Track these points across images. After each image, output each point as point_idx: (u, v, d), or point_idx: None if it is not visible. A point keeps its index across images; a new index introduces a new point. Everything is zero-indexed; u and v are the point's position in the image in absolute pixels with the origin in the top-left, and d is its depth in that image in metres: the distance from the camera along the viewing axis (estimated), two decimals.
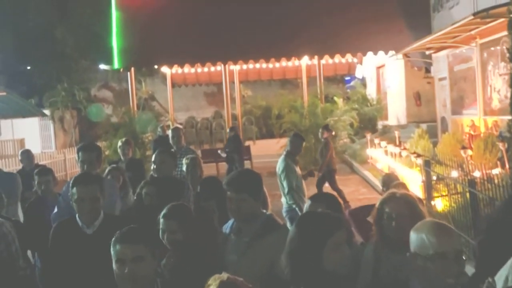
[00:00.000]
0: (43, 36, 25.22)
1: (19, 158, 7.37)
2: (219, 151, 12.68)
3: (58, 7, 25.30)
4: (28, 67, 29.76)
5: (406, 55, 15.59)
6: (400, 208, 2.65)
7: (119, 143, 7.05)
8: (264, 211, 3.07)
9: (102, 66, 20.06)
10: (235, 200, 2.84)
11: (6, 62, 25.58)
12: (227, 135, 13.25)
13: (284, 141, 13.12)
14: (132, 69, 17.43)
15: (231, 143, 12.40)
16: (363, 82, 21.57)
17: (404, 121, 16.95)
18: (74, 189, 3.26)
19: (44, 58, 25.36)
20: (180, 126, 20.17)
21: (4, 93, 18.64)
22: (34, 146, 21.27)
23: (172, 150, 6.30)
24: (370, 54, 16.63)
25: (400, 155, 11.18)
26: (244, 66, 20.26)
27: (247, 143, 19.11)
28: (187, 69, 20.22)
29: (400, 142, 12.53)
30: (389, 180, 5.25)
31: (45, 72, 25.73)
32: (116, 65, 16.93)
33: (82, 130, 25.85)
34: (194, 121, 22.45)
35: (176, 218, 3.05)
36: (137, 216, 4.05)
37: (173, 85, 21.74)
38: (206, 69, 20.59)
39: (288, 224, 5.91)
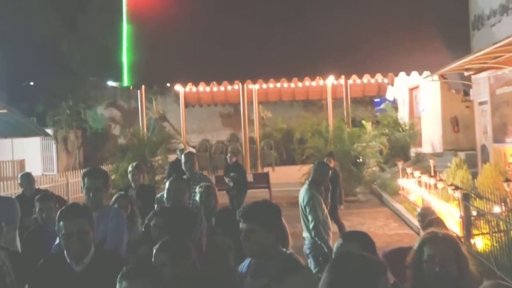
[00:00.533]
0: (48, 50, 25.71)
1: (19, 181, 7.45)
2: (226, 179, 12.10)
3: (65, 19, 25.80)
4: (31, 83, 30.35)
5: (442, 76, 15.51)
6: (445, 250, 2.59)
7: (130, 168, 7.11)
8: (284, 249, 3.04)
9: (110, 83, 20.35)
10: (244, 230, 2.86)
11: (7, 77, 26.03)
12: (229, 160, 12.54)
13: (307, 168, 13.12)
14: (143, 87, 17.62)
15: (231, 171, 11.96)
16: (394, 105, 21.50)
17: (440, 148, 16.79)
18: (61, 223, 3.26)
19: (48, 73, 25.80)
20: (193, 150, 20.22)
21: (5, 111, 18.93)
22: (35, 168, 21.58)
23: (185, 176, 6.33)
24: (402, 74, 16.62)
25: (436, 187, 11.04)
26: (264, 86, 20.41)
27: (265, 169, 19.11)
28: (201, 87, 20.43)
29: (435, 172, 12.38)
30: (426, 214, 5.23)
31: (48, 88, 26.14)
32: (125, 82, 17.14)
33: (86, 152, 26.15)
34: (208, 144, 22.54)
35: (166, 251, 3.14)
36: (144, 250, 4.04)
37: (186, 105, 21.96)
38: (222, 88, 20.78)
39: (311, 263, 5.86)
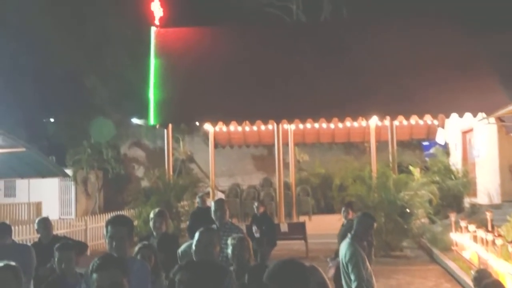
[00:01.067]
0: (70, 85, 26.44)
1: (35, 227, 7.57)
2: (253, 229, 11.69)
3: (90, 53, 26.55)
4: (51, 119, 31.15)
5: (499, 119, 15.33)
6: None
7: (151, 215, 7.13)
8: None
9: (135, 121, 20.71)
10: None
11: (27, 113, 26.74)
12: (256, 211, 12.19)
13: None
14: (170, 125, 17.83)
15: (259, 224, 11.66)
16: (445, 149, 21.23)
17: (497, 199, 16.42)
18: (94, 276, 3.29)
19: (70, 110, 26.45)
20: (222, 195, 20.14)
21: (23, 149, 19.41)
22: (52, 211, 21.94)
23: (214, 226, 6.31)
24: (454, 116, 16.46)
25: (494, 243, 10.74)
26: (301, 126, 20.47)
27: (301, 218, 18.97)
28: (233, 127, 20.60)
29: (493, 227, 12.07)
30: (482, 277, 5.12)
31: (69, 125, 26.75)
32: (152, 120, 17.39)
33: (107, 195, 26.47)
34: (238, 189, 22.58)
35: None
36: None
37: (215, 146, 22.14)
38: (255, 128, 20.92)
39: None
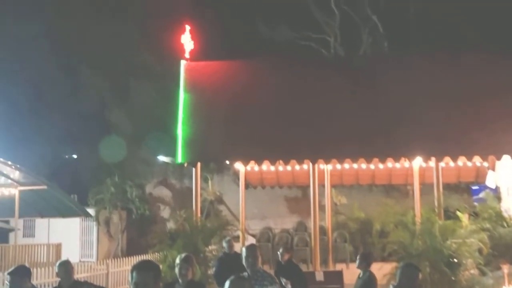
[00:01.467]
0: (95, 120, 26.91)
1: (56, 270, 7.64)
2: (283, 281, 10.77)
3: (116, 87, 27.04)
4: (74, 156, 31.69)
5: None
6: None
7: (177, 260, 7.14)
8: None
9: (162, 159, 20.85)
10: None
11: (49, 150, 27.23)
12: (280, 258, 11.58)
13: (389, 267, 12.76)
14: (198, 164, 17.89)
15: (284, 272, 11.02)
16: (496, 194, 20.86)
17: None
18: None
19: (94, 146, 26.86)
20: (253, 239, 19.98)
21: (45, 187, 19.75)
22: (72, 253, 22.12)
23: (245, 274, 6.28)
24: (506, 158, 16.20)
25: None
26: (338, 166, 20.35)
27: (338, 266, 18.69)
28: (265, 166, 20.59)
29: None
30: None
31: (93, 162, 27.12)
32: (179, 158, 17.48)
33: (131, 237, 26.59)
34: (270, 233, 22.42)
35: None
36: None
37: (246, 186, 22.09)
38: (289, 168, 20.88)
39: None
